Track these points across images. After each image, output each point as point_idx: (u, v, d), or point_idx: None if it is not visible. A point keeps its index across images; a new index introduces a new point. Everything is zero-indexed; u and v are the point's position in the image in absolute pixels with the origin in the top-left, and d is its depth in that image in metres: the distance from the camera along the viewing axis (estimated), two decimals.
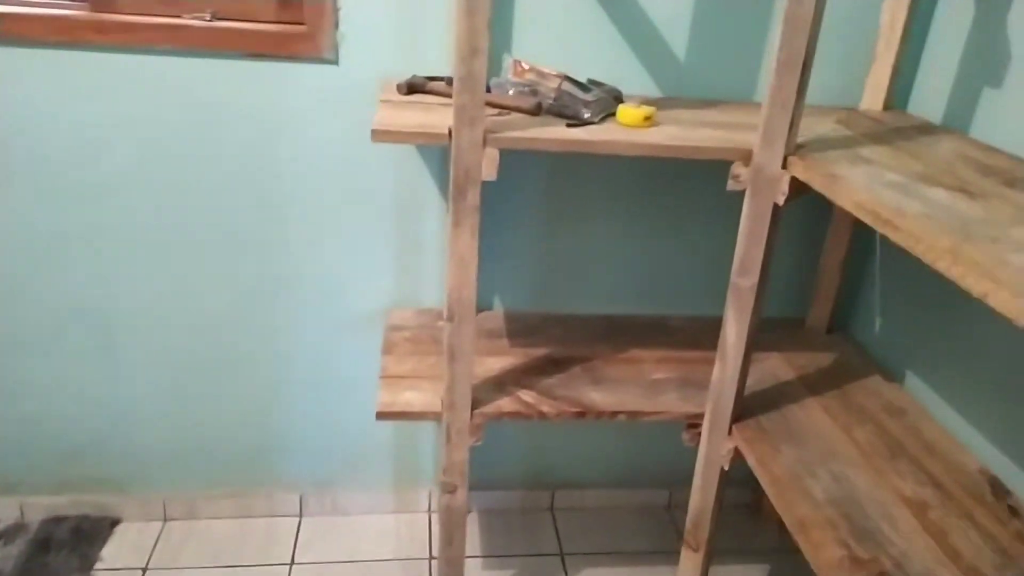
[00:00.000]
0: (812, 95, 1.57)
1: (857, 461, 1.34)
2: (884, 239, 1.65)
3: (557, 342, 1.61)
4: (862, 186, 1.07)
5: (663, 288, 1.76)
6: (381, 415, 1.36)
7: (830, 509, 1.22)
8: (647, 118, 1.29)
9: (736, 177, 1.24)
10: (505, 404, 1.40)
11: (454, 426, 1.37)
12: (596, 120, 1.28)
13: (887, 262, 1.65)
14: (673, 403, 1.45)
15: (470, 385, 1.34)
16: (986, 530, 1.20)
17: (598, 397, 1.44)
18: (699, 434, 1.45)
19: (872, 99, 1.56)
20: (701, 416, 1.44)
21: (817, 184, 1.13)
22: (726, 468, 1.42)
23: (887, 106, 1.56)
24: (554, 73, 1.34)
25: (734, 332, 1.33)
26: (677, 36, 1.54)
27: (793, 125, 1.18)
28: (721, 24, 1.54)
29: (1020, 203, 1.05)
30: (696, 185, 1.67)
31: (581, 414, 1.40)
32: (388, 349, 1.55)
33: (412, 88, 1.37)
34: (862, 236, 1.70)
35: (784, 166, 1.20)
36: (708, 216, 1.71)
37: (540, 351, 1.57)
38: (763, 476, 1.30)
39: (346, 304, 1.70)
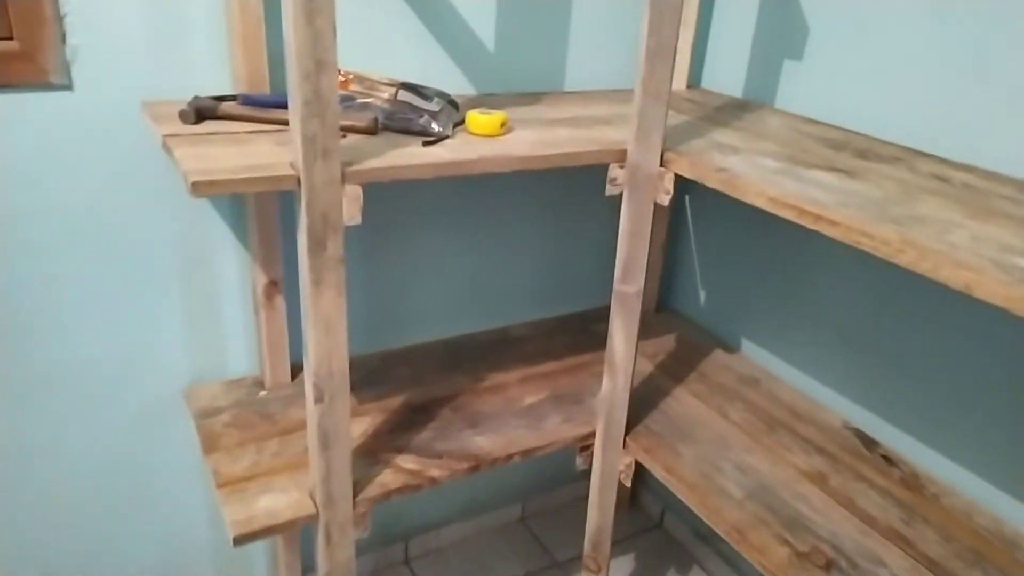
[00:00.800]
0: (612, 80, 1.54)
1: (747, 444, 1.33)
2: (698, 211, 1.67)
3: (409, 385, 1.40)
4: (766, 180, 1.02)
5: (496, 298, 1.62)
6: (240, 539, 1.05)
7: (752, 505, 1.19)
8: (503, 124, 1.12)
9: (613, 181, 1.13)
10: (389, 480, 1.17)
11: (335, 523, 1.11)
12: (450, 133, 1.09)
13: (702, 236, 1.68)
14: (560, 429, 1.32)
15: (350, 472, 1.09)
16: (878, 486, 1.26)
17: (484, 443, 1.27)
18: (592, 455, 1.35)
19: (676, 79, 1.55)
20: (592, 435, 1.33)
21: (712, 181, 1.06)
22: (627, 484, 1.34)
23: (689, 85, 1.57)
24: (384, 81, 1.11)
25: (622, 342, 1.24)
26: (483, 28, 1.38)
27: (666, 118, 1.10)
28: (522, 12, 1.41)
29: (892, 176, 1.08)
30: (516, 185, 1.54)
31: (475, 468, 1.22)
32: (210, 445, 1.22)
33: (201, 114, 1.05)
34: (677, 213, 1.71)
35: (662, 163, 1.12)
36: (530, 215, 1.59)
37: (396, 400, 1.35)
38: (677, 486, 1.23)
39: (130, 394, 1.31)
